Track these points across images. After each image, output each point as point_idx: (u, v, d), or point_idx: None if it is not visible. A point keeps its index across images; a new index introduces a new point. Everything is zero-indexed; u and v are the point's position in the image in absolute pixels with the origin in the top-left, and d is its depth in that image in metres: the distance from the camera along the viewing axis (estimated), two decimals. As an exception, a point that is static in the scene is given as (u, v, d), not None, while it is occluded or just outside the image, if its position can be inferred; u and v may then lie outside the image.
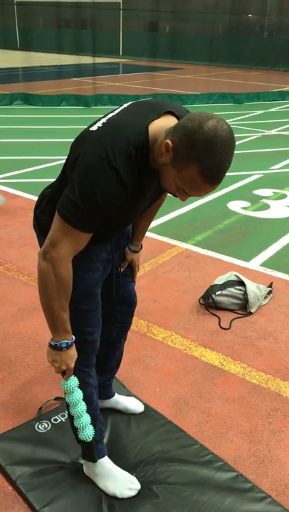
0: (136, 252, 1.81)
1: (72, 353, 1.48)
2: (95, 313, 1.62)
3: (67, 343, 1.45)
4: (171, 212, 4.40)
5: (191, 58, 20.33)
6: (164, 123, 1.29)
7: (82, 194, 1.25)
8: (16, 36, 24.99)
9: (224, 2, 22.81)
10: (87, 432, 1.63)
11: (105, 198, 1.26)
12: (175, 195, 1.33)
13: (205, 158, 1.17)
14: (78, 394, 1.57)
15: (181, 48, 20.71)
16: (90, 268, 1.54)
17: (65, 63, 18.44)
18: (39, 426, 2.03)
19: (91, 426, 1.64)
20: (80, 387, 1.60)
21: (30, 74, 15.58)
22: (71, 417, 1.64)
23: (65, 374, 1.51)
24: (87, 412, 1.62)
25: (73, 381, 1.54)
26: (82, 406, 1.59)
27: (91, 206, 1.27)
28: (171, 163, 1.24)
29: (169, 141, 1.22)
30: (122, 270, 1.78)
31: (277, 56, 19.42)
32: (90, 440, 1.65)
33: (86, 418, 1.62)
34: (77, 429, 1.64)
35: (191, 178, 1.21)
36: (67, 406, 1.62)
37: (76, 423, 1.62)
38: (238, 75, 17.19)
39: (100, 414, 1.76)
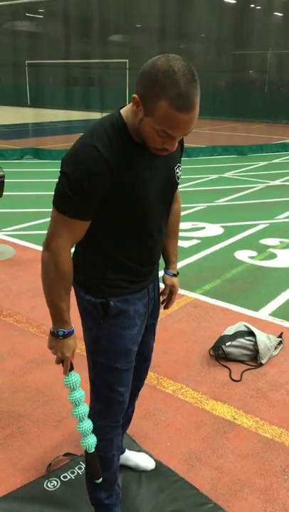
0: (175, 275, 1.83)
1: (69, 343, 1.48)
2: (128, 372, 1.59)
3: (64, 331, 1.46)
4: (179, 261, 4.44)
5: (195, 113, 21.04)
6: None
7: (68, 180, 1.31)
8: (26, 94, 26.12)
9: (226, 60, 23.92)
10: (90, 441, 1.56)
11: (90, 178, 1.29)
12: (164, 150, 1.33)
13: (169, 87, 1.19)
14: (80, 393, 1.53)
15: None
16: (129, 325, 1.53)
17: (74, 119, 19.14)
18: (48, 484, 1.98)
19: (93, 435, 1.57)
20: (105, 449, 1.59)
21: (40, 129, 16.17)
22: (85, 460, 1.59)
23: (63, 366, 1.50)
24: (94, 431, 1.56)
25: (74, 377, 1.51)
26: (84, 408, 1.53)
27: (78, 190, 1.31)
28: (144, 113, 1.26)
29: (134, 95, 1.27)
30: (163, 300, 1.82)
31: (278, 110, 20.09)
32: (91, 451, 1.58)
33: (88, 424, 1.55)
34: (91, 483, 1.59)
35: (166, 113, 1.22)
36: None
37: (78, 428, 1.55)
38: (241, 128, 17.73)
39: (118, 477, 1.72)
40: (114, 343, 1.52)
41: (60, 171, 1.35)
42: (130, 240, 1.46)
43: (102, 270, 1.49)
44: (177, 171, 1.52)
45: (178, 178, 1.53)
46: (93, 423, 1.58)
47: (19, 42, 26.54)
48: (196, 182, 8.17)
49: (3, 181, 4.45)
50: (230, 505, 1.92)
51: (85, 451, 1.60)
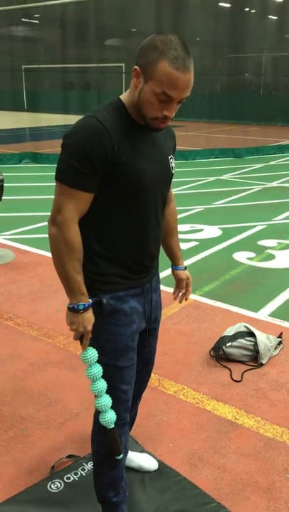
0: (185, 268, 1.89)
1: (90, 315, 1.47)
2: (130, 369, 1.60)
3: (84, 304, 1.45)
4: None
5: (192, 116, 21.13)
6: None
7: (72, 150, 1.36)
8: (23, 98, 26.17)
9: (222, 63, 24.02)
10: (108, 416, 1.54)
11: (93, 146, 1.34)
12: (163, 120, 1.39)
13: (167, 51, 1.31)
14: (97, 369, 1.51)
15: (182, 106, 21.50)
16: (126, 322, 1.55)
17: (71, 123, 19.16)
18: (51, 486, 1.99)
19: (112, 411, 1.55)
20: None
21: (38, 134, 16.20)
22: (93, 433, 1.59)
23: (82, 341, 1.49)
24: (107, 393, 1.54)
25: (92, 353, 1.50)
26: (102, 383, 1.52)
27: (82, 159, 1.34)
28: (145, 80, 1.35)
29: (135, 66, 1.37)
30: (179, 293, 1.90)
31: (274, 112, 20.18)
32: (111, 427, 1.55)
33: (107, 399, 1.53)
34: (100, 480, 1.60)
35: (166, 73, 1.31)
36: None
37: (96, 403, 1.53)
38: (238, 130, 17.80)
39: (124, 474, 1.73)
40: (113, 341, 1.53)
41: (61, 145, 1.40)
42: (128, 226, 1.48)
43: (98, 262, 1.49)
44: (171, 161, 1.57)
45: (172, 168, 1.57)
46: (100, 422, 1.57)
47: (16, 47, 26.61)
48: (193, 184, 8.20)
49: (3, 185, 4.46)
50: (233, 505, 1.93)
51: (104, 427, 1.56)
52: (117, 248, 1.49)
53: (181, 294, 1.92)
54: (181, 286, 1.90)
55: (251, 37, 23.13)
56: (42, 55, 27.07)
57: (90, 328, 1.48)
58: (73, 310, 1.46)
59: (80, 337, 1.50)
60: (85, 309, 1.46)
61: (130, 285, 1.54)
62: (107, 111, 1.40)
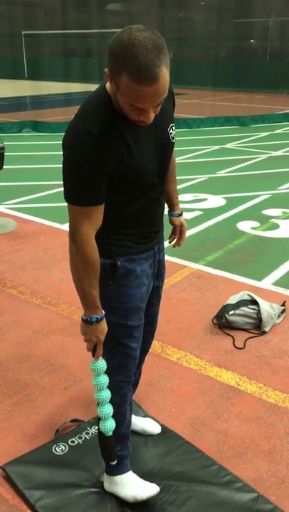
0: (180, 214, 1.93)
1: (103, 327, 1.54)
2: (139, 328, 1.67)
3: (97, 317, 1.51)
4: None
5: (196, 83, 20.68)
6: None
7: (70, 169, 1.37)
8: (23, 66, 25.60)
9: (227, 29, 23.33)
10: (108, 425, 1.62)
11: (88, 158, 1.33)
12: (142, 122, 1.33)
13: (128, 62, 1.19)
14: (104, 379, 1.58)
15: (185, 74, 21.08)
16: (137, 284, 1.60)
17: (73, 91, 18.82)
18: (56, 448, 2.02)
19: (113, 420, 1.63)
20: (119, 403, 1.66)
21: (39, 102, 15.92)
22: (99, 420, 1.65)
23: (95, 352, 1.56)
24: (110, 403, 1.62)
25: (102, 363, 1.57)
26: (107, 393, 1.60)
27: (80, 174, 1.35)
28: (116, 88, 1.28)
29: (106, 69, 1.28)
30: (173, 238, 1.95)
31: (280, 79, 19.70)
32: (109, 435, 1.64)
33: (108, 408, 1.61)
34: (102, 434, 1.66)
35: (128, 87, 1.22)
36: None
37: (98, 411, 1.62)
38: (243, 98, 17.44)
39: (130, 433, 1.79)
40: (125, 301, 1.59)
41: (62, 163, 1.39)
42: (133, 207, 1.51)
43: (111, 231, 1.53)
44: (171, 131, 1.53)
45: (173, 138, 1.54)
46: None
47: (15, 11, 25.85)
48: (197, 153, 8.09)
49: (4, 153, 4.40)
50: (235, 467, 1.96)
51: (102, 433, 1.65)
52: (124, 224, 1.54)
53: (175, 240, 1.97)
54: (175, 231, 1.95)
55: (257, 1, 22.38)
56: (42, 21, 26.33)
57: (102, 338, 1.54)
58: (87, 322, 1.52)
59: (93, 348, 1.56)
60: (98, 321, 1.52)
61: (142, 249, 1.60)
62: (97, 115, 1.35)
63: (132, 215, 1.53)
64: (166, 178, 1.60)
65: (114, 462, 1.72)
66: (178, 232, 1.95)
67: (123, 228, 1.54)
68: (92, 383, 1.60)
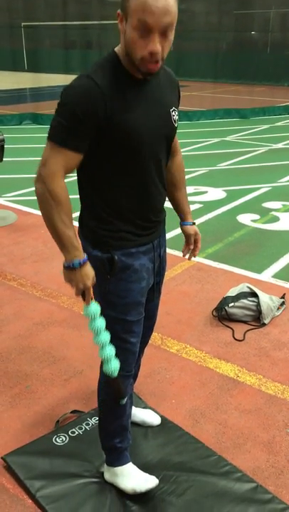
0: (194, 223, 1.85)
1: (87, 271, 1.45)
2: (138, 323, 1.64)
3: (79, 261, 1.42)
4: (182, 226, 4.43)
5: (196, 75, 20.57)
6: None
7: (63, 110, 1.36)
8: (23, 58, 25.45)
9: (227, 20, 23.16)
10: (112, 366, 1.55)
11: (83, 105, 1.33)
12: (151, 57, 1.33)
13: None
14: (101, 322, 1.51)
15: (186, 66, 20.96)
16: (136, 278, 1.56)
17: (72, 83, 18.71)
18: (57, 439, 2.03)
19: (116, 360, 1.56)
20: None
21: (39, 94, 15.84)
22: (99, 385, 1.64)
23: (84, 297, 1.49)
24: (111, 343, 1.55)
25: (94, 307, 1.49)
26: (105, 335, 1.52)
27: (72, 119, 1.35)
28: (126, 18, 1.33)
29: (118, 11, 1.36)
30: (187, 249, 1.87)
31: (280, 72, 19.59)
32: (115, 376, 1.57)
33: (110, 350, 1.54)
34: (105, 431, 1.65)
35: (138, 2, 1.28)
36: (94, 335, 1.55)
37: (100, 354, 1.54)
38: (243, 90, 17.36)
39: (129, 425, 1.79)
40: (123, 296, 1.55)
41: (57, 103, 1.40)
42: (129, 183, 1.47)
43: (109, 221, 1.51)
44: (173, 113, 1.53)
45: (175, 121, 1.53)
46: (104, 372, 1.59)
47: (14, 3, 25.66)
48: (197, 146, 8.07)
49: (4, 145, 4.39)
50: (234, 458, 1.97)
51: (108, 376, 1.58)
52: (122, 206, 1.50)
53: (190, 250, 1.89)
54: (189, 242, 1.86)
55: (259, -8, 22.21)
56: (42, 12, 26.12)
57: (89, 283, 1.46)
58: (69, 268, 1.44)
59: (82, 293, 1.49)
60: (82, 265, 1.43)
61: (140, 242, 1.56)
62: (102, 68, 1.38)
63: (129, 193, 1.47)
64: (166, 159, 1.56)
65: (124, 401, 1.64)
66: (192, 241, 1.85)
67: (120, 210, 1.49)
68: (89, 328, 1.52)
